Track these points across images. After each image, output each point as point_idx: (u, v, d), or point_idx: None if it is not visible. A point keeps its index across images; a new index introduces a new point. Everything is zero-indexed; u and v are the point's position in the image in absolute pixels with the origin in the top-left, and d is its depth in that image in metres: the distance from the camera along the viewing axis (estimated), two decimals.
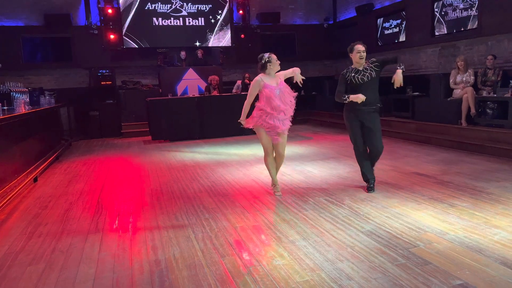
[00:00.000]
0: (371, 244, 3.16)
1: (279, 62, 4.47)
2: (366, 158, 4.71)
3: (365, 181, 4.75)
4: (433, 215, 3.76)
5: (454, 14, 9.11)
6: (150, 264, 3.00)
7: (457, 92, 7.77)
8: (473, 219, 3.60)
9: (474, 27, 8.62)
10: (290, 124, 4.58)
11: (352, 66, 4.63)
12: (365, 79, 4.52)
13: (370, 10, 11.86)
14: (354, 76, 4.53)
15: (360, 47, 4.55)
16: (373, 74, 4.54)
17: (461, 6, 8.91)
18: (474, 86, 7.57)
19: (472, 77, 7.66)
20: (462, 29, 8.93)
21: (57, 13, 11.17)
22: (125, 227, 3.84)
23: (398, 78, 4.44)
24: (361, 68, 4.56)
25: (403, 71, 4.47)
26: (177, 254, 3.16)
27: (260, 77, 4.42)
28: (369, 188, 4.64)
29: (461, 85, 7.70)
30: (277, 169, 4.77)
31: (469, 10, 8.73)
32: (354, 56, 4.54)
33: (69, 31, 11.48)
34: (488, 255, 2.89)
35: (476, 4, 8.51)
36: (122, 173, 6.43)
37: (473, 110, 7.28)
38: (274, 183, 4.74)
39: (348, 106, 4.61)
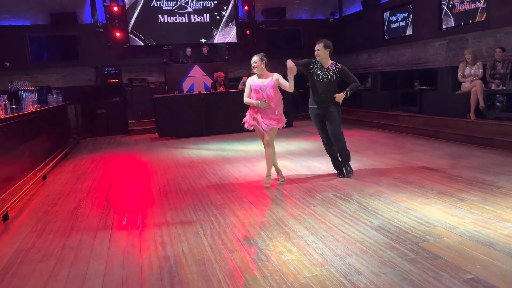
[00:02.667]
0: (380, 239, 3.14)
1: (263, 63, 4.81)
2: (333, 148, 5.19)
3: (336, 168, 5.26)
4: (442, 209, 3.74)
5: (462, 7, 9.00)
6: (159, 260, 3.01)
7: (465, 86, 7.69)
8: (483, 213, 3.57)
9: (482, 19, 8.51)
10: (272, 123, 4.80)
11: (318, 60, 5.00)
12: (325, 78, 4.94)
13: (376, 4, 11.76)
14: (318, 71, 4.95)
15: (316, 47, 4.94)
16: (333, 77, 4.95)
17: None
18: (483, 79, 7.49)
19: (481, 70, 7.57)
20: (470, 21, 8.83)
21: (63, 11, 11.22)
22: (133, 224, 3.86)
23: (338, 97, 4.96)
24: (325, 66, 4.96)
25: (346, 96, 4.99)
26: (186, 250, 3.17)
27: (251, 77, 4.95)
28: (338, 174, 5.19)
29: (470, 78, 7.62)
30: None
31: (477, 2, 8.62)
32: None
33: (75, 30, 11.54)
34: (499, 249, 2.87)
35: None
36: (129, 170, 6.46)
37: (482, 104, 7.21)
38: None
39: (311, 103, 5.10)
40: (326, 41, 4.94)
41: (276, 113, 4.78)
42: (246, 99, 4.89)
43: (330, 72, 4.92)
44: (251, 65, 4.85)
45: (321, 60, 4.94)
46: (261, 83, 4.81)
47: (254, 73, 4.89)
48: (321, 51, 4.89)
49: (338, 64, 5.02)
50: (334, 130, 5.00)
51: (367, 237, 3.19)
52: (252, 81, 4.90)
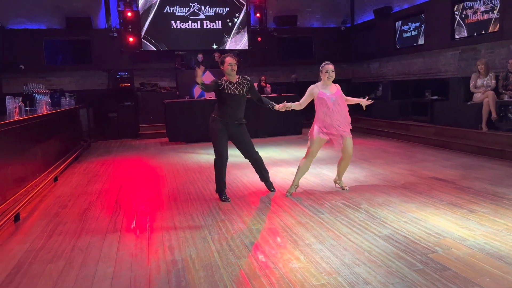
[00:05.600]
0: (389, 249, 3.12)
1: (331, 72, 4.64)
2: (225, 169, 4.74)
3: (218, 192, 4.74)
4: (452, 220, 3.70)
5: (475, 17, 8.96)
6: (167, 264, 3.03)
7: (477, 96, 7.63)
8: (493, 226, 3.53)
9: (495, 30, 8.46)
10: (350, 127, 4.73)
11: (225, 78, 4.65)
12: (237, 92, 4.60)
13: (388, 13, 11.76)
14: (227, 85, 4.59)
15: (229, 59, 4.60)
16: (245, 90, 4.66)
17: (482, 9, 8.76)
18: (495, 90, 7.43)
19: (493, 81, 7.51)
20: (483, 32, 8.78)
21: (78, 16, 11.41)
22: (142, 227, 3.89)
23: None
24: (234, 81, 4.63)
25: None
26: (194, 254, 3.18)
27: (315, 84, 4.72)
28: (224, 199, 4.67)
29: (482, 89, 7.56)
30: (344, 170, 4.94)
31: (490, 13, 8.57)
32: (226, 68, 4.60)
33: (90, 34, 11.71)
34: (509, 262, 2.83)
35: (498, 7, 8.35)
36: (139, 174, 6.51)
37: (494, 115, 7.14)
38: (296, 185, 4.87)
39: (217, 117, 4.70)
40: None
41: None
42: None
43: (241, 86, 4.63)
44: (326, 72, 4.64)
45: (233, 74, 4.62)
46: (330, 93, 4.65)
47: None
48: (236, 66, 4.62)
49: (245, 76, 4.80)
50: (253, 149, 4.93)
51: (375, 247, 3.18)
52: (317, 89, 4.65)
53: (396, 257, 2.98)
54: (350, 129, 4.71)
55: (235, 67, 4.63)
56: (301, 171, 4.84)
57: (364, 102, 4.81)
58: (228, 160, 4.74)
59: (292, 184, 4.86)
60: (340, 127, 4.60)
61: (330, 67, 4.68)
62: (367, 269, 2.81)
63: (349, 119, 4.72)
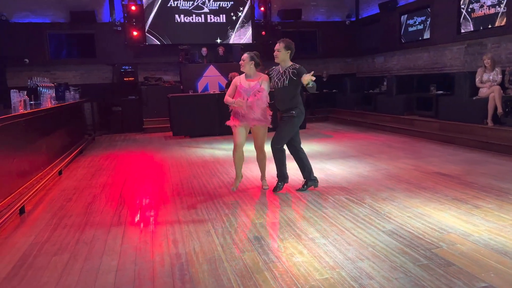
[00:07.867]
0: (392, 244, 3.12)
1: (252, 62, 4.61)
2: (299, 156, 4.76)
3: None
4: (456, 216, 3.69)
5: (481, 11, 8.87)
6: (171, 257, 3.04)
7: (483, 91, 7.56)
8: (498, 221, 3.51)
9: (502, 24, 8.37)
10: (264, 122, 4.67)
11: (275, 68, 4.69)
12: (280, 84, 4.51)
13: (394, 7, 11.67)
14: (274, 78, 4.60)
15: (276, 46, 4.55)
16: (286, 82, 4.46)
17: (489, 2, 8.67)
18: (501, 85, 7.37)
19: (500, 76, 7.44)
20: (490, 26, 8.69)
21: (82, 10, 11.40)
22: (146, 221, 3.90)
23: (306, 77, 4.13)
24: (281, 71, 4.55)
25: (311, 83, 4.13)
26: (197, 248, 3.19)
27: (238, 76, 4.75)
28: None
29: (488, 83, 7.50)
30: (262, 167, 4.91)
31: (497, 7, 8.48)
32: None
33: (94, 28, 11.71)
34: None
35: (505, 1, 8.26)
36: (143, 167, 6.52)
37: (500, 110, 7.08)
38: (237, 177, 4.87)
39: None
40: (288, 41, 4.51)
41: (259, 118, 4.59)
42: (226, 98, 4.66)
43: (284, 77, 4.46)
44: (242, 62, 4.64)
45: (280, 62, 4.54)
46: (247, 86, 4.58)
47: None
48: (281, 52, 4.47)
49: (296, 65, 4.50)
50: (272, 140, 4.57)
51: (379, 242, 3.17)
52: (239, 81, 4.66)
53: (400, 252, 2.98)
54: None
55: (278, 53, 4.49)
56: (237, 164, 4.80)
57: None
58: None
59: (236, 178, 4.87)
60: (250, 117, 4.55)
61: (243, 55, 4.65)
62: (370, 264, 2.80)
63: (266, 112, 4.62)
